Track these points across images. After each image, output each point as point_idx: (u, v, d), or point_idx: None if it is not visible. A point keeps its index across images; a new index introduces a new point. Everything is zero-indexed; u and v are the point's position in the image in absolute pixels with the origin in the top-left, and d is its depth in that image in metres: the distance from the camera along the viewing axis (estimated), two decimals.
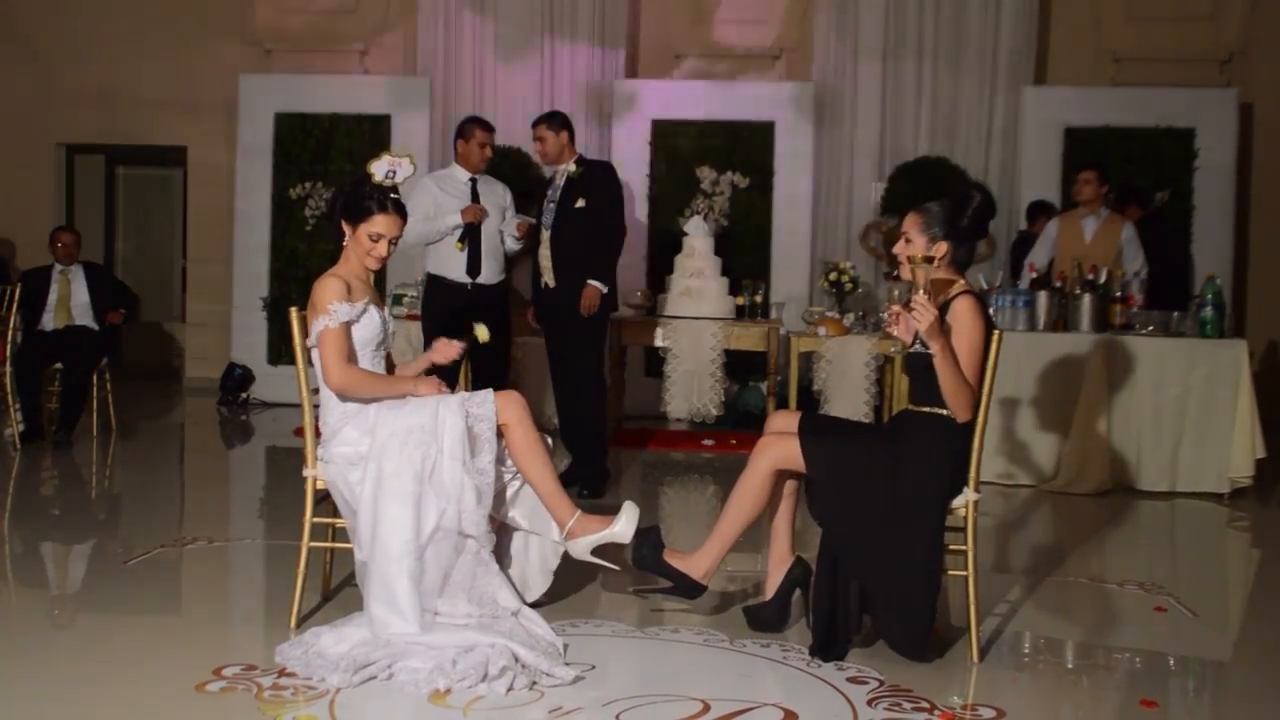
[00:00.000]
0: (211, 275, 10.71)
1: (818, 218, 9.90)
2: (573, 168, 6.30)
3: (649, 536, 3.96)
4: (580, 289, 6.19)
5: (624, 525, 3.90)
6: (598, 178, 6.34)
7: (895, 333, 3.76)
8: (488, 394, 3.86)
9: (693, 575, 3.87)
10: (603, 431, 6.44)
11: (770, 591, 3.98)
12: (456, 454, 3.72)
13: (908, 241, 3.83)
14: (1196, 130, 9.47)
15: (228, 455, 8.33)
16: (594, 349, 6.39)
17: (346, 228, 3.97)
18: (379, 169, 4.03)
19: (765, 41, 10.40)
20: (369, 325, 3.92)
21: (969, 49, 9.86)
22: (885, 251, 9.66)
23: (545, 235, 6.34)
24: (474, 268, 6.34)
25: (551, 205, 6.33)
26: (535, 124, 6.37)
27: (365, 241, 3.94)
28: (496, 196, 6.50)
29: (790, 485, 3.93)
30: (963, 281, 3.81)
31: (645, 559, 3.92)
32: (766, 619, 3.97)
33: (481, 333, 4.16)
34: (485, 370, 6.26)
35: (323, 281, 3.88)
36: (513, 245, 6.50)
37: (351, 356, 3.88)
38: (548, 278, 6.35)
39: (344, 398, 3.85)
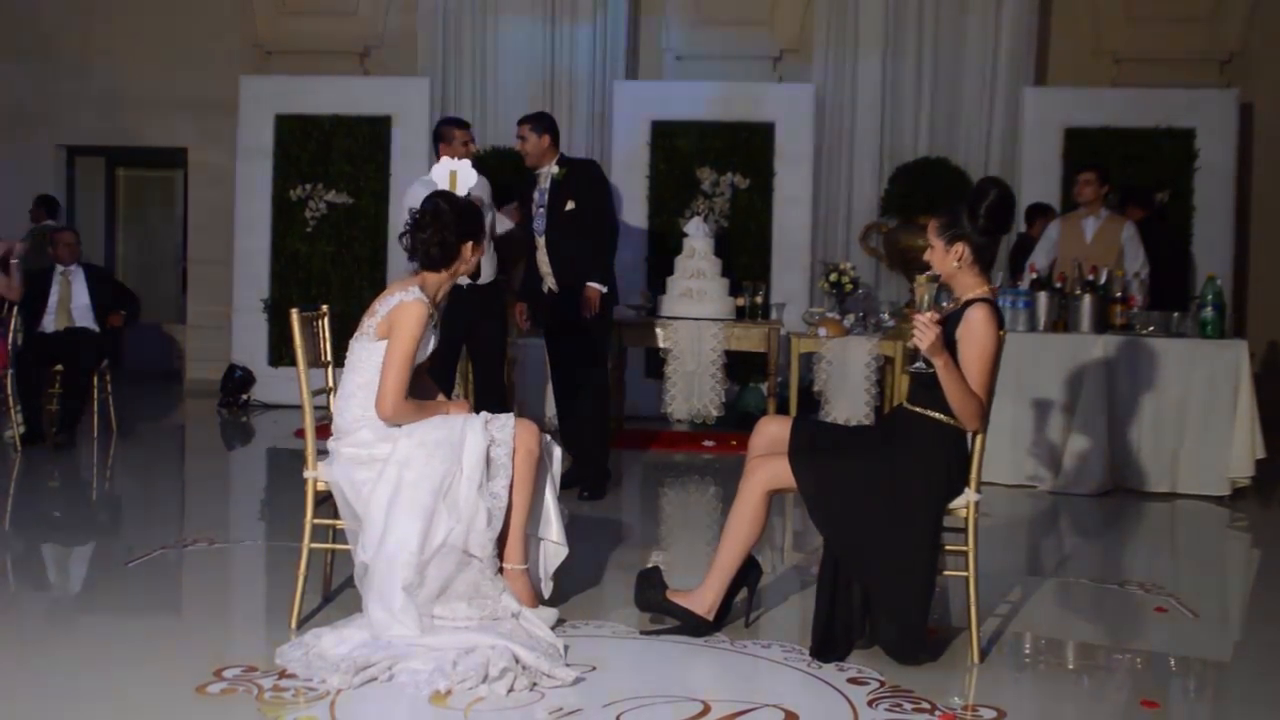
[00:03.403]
0: (212, 277, 10.71)
1: (818, 218, 9.90)
2: (556, 169, 6.26)
3: (651, 578, 3.95)
4: (581, 291, 6.18)
5: (538, 616, 3.79)
6: (583, 177, 6.31)
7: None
8: (509, 419, 3.86)
9: (698, 612, 3.86)
10: (605, 433, 6.44)
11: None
12: (474, 475, 3.72)
13: (931, 248, 3.82)
14: (1196, 130, 9.48)
15: (228, 457, 8.34)
16: (599, 350, 6.38)
17: (468, 248, 3.97)
18: (461, 183, 4.15)
19: (765, 42, 10.41)
20: (424, 352, 3.93)
21: (969, 49, 9.88)
22: (885, 252, 9.67)
23: (540, 240, 6.30)
24: (475, 270, 6.32)
25: (541, 210, 6.29)
26: (519, 123, 6.34)
27: (482, 249, 4.04)
28: (485, 191, 6.40)
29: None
30: (984, 287, 3.77)
31: (649, 600, 3.91)
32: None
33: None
34: (483, 369, 6.27)
35: (413, 308, 3.81)
36: (505, 225, 6.52)
37: (409, 386, 3.87)
38: (550, 283, 6.33)
39: (386, 421, 3.83)
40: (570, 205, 6.20)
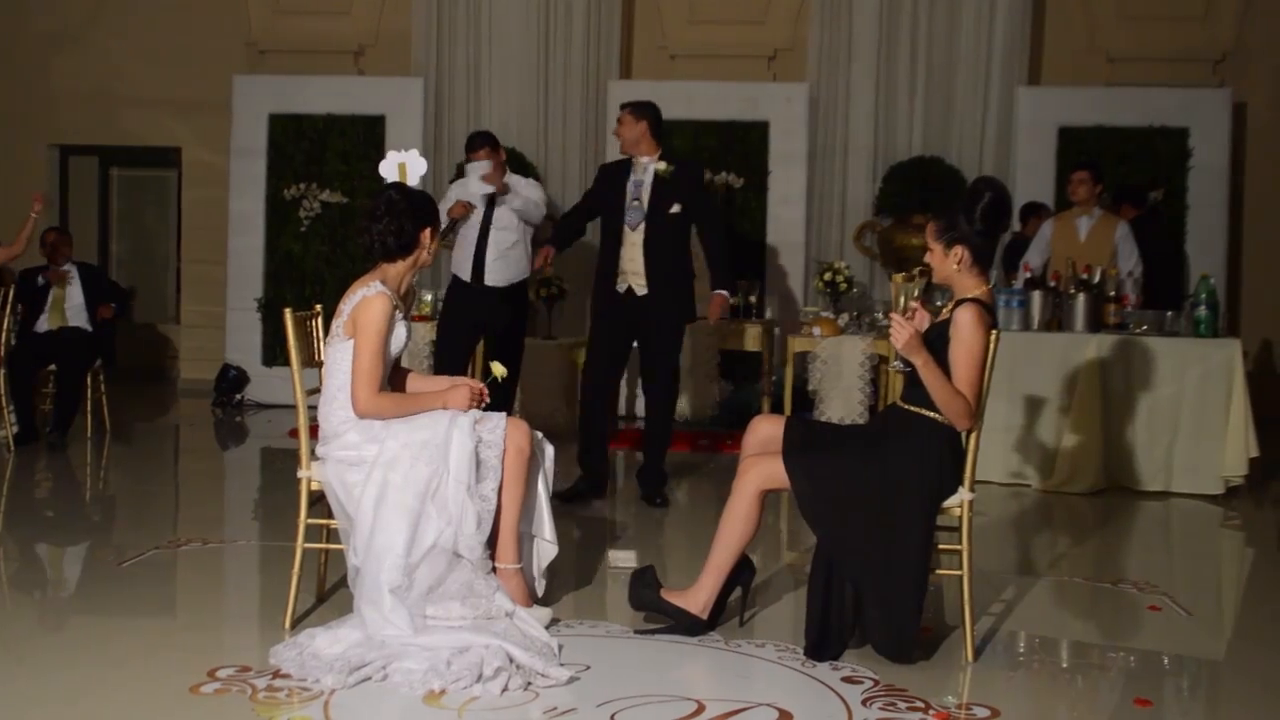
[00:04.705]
0: (206, 276, 10.70)
1: (812, 218, 9.91)
2: (662, 166, 5.90)
3: (645, 576, 3.95)
4: (675, 297, 5.87)
5: (531, 615, 3.77)
6: (691, 181, 6.03)
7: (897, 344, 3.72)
8: (500, 420, 3.84)
9: (692, 611, 3.86)
10: (668, 438, 6.20)
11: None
12: (462, 476, 3.70)
13: (930, 251, 3.83)
14: (1190, 130, 9.48)
15: (222, 457, 8.32)
16: (678, 354, 6.15)
17: (426, 234, 3.94)
18: (411, 173, 4.15)
19: (759, 41, 10.41)
20: (396, 343, 3.91)
21: (962, 49, 9.87)
22: (879, 252, 9.67)
23: (634, 237, 5.88)
24: (477, 273, 6.40)
25: (638, 204, 5.87)
26: (620, 108, 6.15)
27: (436, 238, 4.02)
28: (516, 197, 6.48)
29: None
30: (982, 289, 3.78)
31: (643, 599, 3.91)
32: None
33: (498, 369, 4.13)
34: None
35: (374, 301, 3.79)
36: (481, 187, 6.40)
37: (383, 380, 3.86)
38: (636, 284, 5.89)
39: (361, 416, 3.82)
40: (676, 208, 5.85)
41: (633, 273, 5.90)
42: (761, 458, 3.83)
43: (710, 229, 6.03)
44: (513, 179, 6.59)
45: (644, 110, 5.97)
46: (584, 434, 6.18)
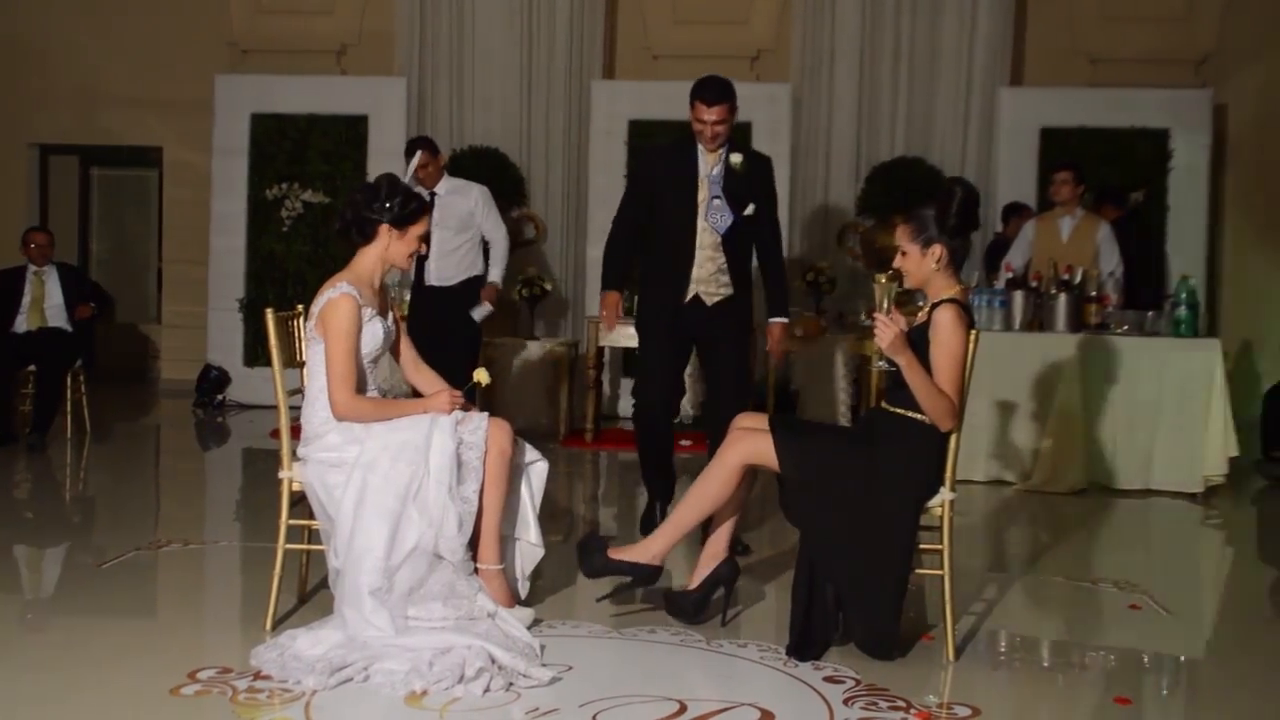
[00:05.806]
0: (187, 276, 10.66)
1: (795, 218, 9.91)
2: (736, 158, 5.00)
3: (590, 543, 3.98)
4: (746, 305, 5.11)
5: (514, 615, 3.78)
6: (764, 177, 5.14)
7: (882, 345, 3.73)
8: (481, 420, 3.83)
9: (643, 561, 3.89)
10: None
11: (695, 582, 3.99)
12: (443, 478, 3.69)
13: (904, 255, 3.82)
14: (1171, 131, 9.54)
15: (203, 457, 8.29)
16: (750, 373, 5.38)
17: (391, 233, 3.90)
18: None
19: (742, 42, 10.42)
20: (371, 339, 3.89)
21: (945, 50, 9.90)
22: (862, 252, 9.69)
23: (714, 239, 5.00)
24: (419, 273, 6.64)
25: (719, 202, 4.97)
26: (713, 102, 4.88)
27: (414, 243, 3.95)
28: (466, 202, 6.70)
29: (742, 483, 3.92)
30: (956, 288, 3.80)
31: (594, 564, 3.93)
32: (683, 608, 3.97)
33: (481, 375, 4.12)
34: (457, 368, 6.29)
35: (339, 303, 3.78)
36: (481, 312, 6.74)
37: (360, 381, 3.84)
38: (705, 291, 5.03)
39: (340, 420, 3.81)
40: (750, 209, 5.01)
41: (699, 280, 5.03)
42: (752, 431, 3.83)
43: (775, 239, 5.20)
44: (490, 232, 6.90)
45: (734, 96, 4.94)
46: (654, 481, 5.27)
